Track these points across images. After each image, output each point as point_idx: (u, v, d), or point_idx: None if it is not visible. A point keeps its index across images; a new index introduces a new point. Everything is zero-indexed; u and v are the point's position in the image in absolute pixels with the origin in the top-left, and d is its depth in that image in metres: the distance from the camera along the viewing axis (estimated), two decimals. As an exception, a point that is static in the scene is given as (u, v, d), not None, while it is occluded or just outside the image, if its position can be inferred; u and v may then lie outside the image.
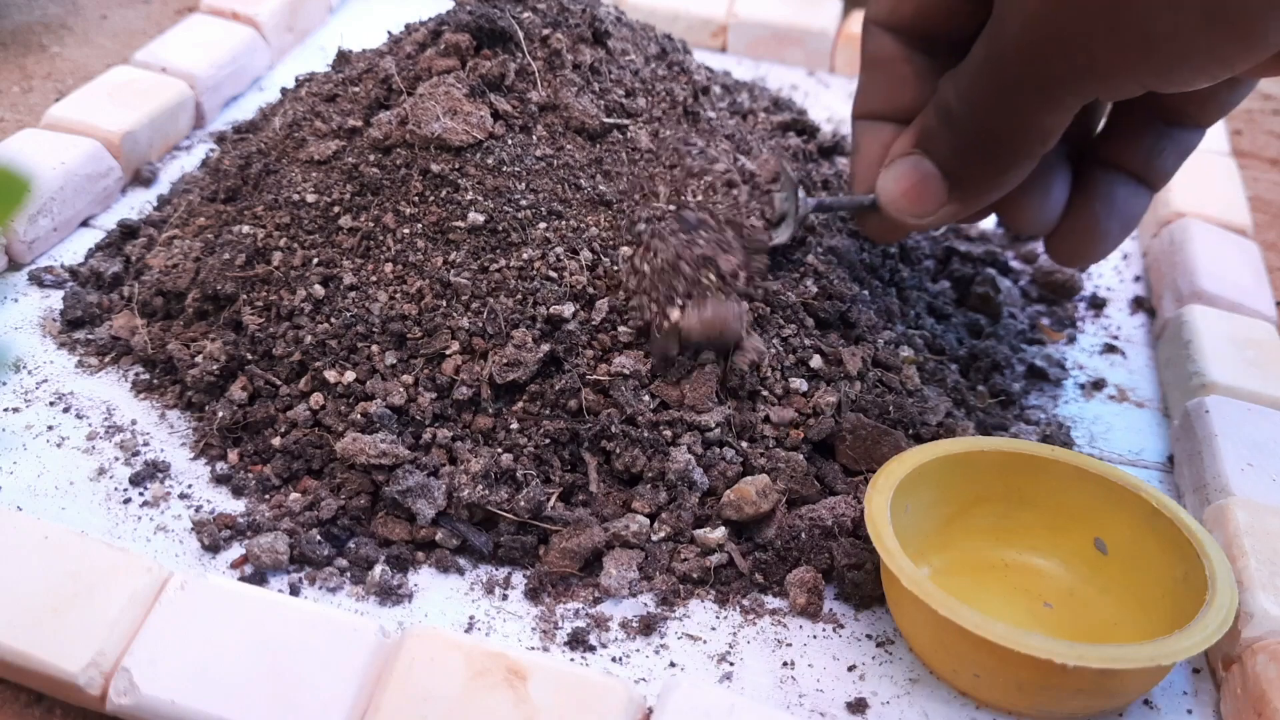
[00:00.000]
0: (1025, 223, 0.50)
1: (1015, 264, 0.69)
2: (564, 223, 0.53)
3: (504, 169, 0.54)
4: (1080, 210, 0.50)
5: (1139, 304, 0.68)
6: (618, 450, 0.49)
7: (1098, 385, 0.61)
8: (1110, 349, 0.64)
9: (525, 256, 0.52)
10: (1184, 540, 0.45)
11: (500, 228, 0.53)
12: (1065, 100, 0.42)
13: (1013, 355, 0.60)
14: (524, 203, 0.53)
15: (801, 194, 0.54)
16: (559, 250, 0.52)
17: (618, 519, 0.48)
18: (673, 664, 0.44)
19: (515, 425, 0.50)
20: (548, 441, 0.49)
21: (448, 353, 0.51)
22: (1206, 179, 0.74)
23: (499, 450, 0.49)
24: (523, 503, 0.47)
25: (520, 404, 0.50)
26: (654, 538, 0.48)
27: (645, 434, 0.49)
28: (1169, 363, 0.61)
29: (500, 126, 0.55)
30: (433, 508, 0.47)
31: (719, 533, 0.48)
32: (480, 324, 0.51)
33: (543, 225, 0.53)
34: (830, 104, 0.84)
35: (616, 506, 0.49)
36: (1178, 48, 0.38)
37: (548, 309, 0.51)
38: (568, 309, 0.51)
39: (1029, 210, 0.50)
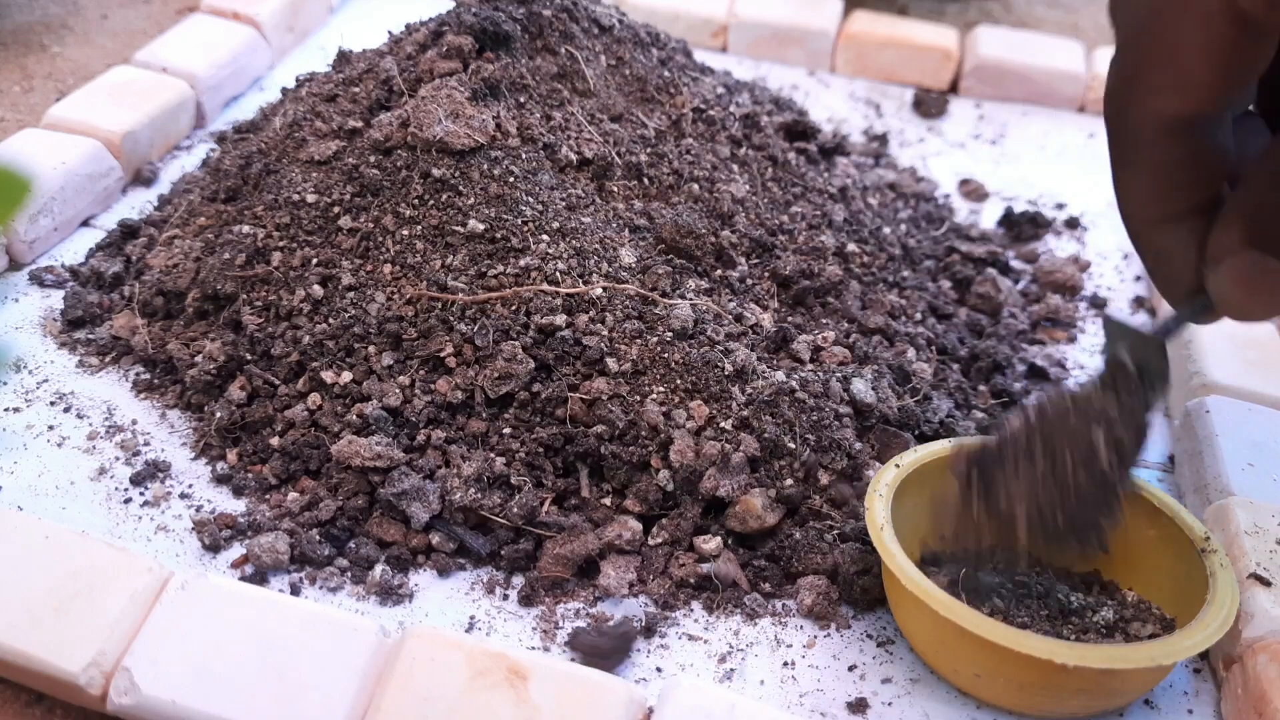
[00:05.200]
0: None
1: (1016, 264, 0.69)
2: (566, 240, 0.53)
3: (507, 178, 0.54)
4: None
5: (1140, 303, 0.68)
6: (608, 471, 0.48)
7: (1098, 385, 0.61)
8: (1111, 349, 0.64)
9: (522, 264, 0.52)
10: (1184, 540, 0.45)
11: (498, 235, 0.53)
12: None
13: (1014, 355, 0.60)
14: (529, 212, 0.53)
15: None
16: (559, 263, 0.52)
17: (610, 524, 0.48)
18: (673, 664, 0.44)
19: (507, 430, 0.49)
20: (540, 448, 0.49)
21: (443, 354, 0.50)
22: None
23: (491, 454, 0.49)
24: (516, 508, 0.47)
25: (511, 411, 0.50)
26: (651, 542, 0.48)
27: (636, 451, 0.48)
28: (1170, 362, 0.61)
29: (506, 135, 0.55)
30: (427, 511, 0.47)
31: (714, 543, 0.47)
32: (471, 333, 0.50)
33: (545, 238, 0.53)
34: (831, 104, 0.84)
35: (609, 510, 0.48)
36: None
37: (540, 318, 0.51)
38: (560, 319, 0.51)
39: None
